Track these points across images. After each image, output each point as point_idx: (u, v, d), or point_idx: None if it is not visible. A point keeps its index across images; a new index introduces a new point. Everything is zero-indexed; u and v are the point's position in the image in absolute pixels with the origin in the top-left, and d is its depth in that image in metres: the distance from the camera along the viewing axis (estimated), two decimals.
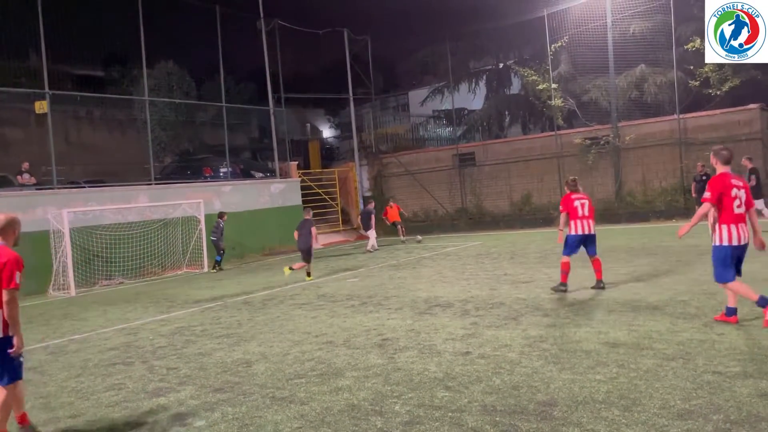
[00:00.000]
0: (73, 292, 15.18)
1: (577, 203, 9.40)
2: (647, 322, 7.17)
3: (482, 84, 30.65)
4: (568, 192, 9.68)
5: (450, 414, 4.79)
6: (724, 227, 6.52)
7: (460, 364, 6.09)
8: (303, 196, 24.68)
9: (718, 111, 20.69)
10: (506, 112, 29.15)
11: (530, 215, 23.79)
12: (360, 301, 10.41)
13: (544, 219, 23.13)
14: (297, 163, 26.42)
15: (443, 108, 31.36)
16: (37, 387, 6.65)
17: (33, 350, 8.67)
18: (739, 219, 6.51)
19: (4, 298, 4.72)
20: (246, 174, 23.88)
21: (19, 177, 17.66)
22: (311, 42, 28.91)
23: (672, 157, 21.24)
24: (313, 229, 14.04)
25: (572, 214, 9.35)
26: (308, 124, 38.68)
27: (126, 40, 22.52)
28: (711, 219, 6.73)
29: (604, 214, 21.86)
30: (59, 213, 15.65)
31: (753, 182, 14.63)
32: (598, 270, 9.57)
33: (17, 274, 4.77)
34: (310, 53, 33.44)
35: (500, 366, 5.92)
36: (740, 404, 4.51)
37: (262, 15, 24.19)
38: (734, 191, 6.52)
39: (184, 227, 18.91)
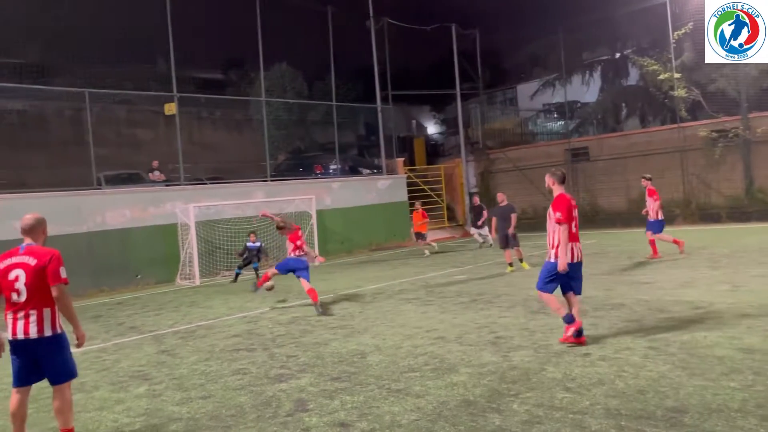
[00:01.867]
0: (197, 281, 16.21)
1: (299, 240, 11.01)
2: None
3: (597, 75, 29.29)
4: (292, 231, 11.03)
5: (571, 416, 4.66)
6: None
7: (579, 366, 5.90)
8: (408, 192, 24.86)
9: None
10: (623, 105, 27.74)
11: None
12: (470, 298, 10.34)
13: (665, 217, 21.74)
14: (403, 159, 26.63)
15: (554, 101, 30.35)
16: (171, 369, 7.17)
17: (164, 335, 9.37)
18: (576, 238, 6.71)
19: (54, 294, 4.61)
20: (354, 171, 24.40)
21: (150, 174, 19.06)
22: (418, 38, 28.97)
23: None
24: (513, 216, 13.34)
25: (296, 248, 10.88)
26: (414, 121, 38.83)
27: (244, 44, 23.68)
28: (551, 236, 6.75)
29: (732, 213, 20.38)
30: (186, 207, 16.75)
31: None
32: (311, 294, 10.38)
33: (62, 269, 4.65)
34: (417, 49, 33.46)
35: (623, 369, 5.68)
36: None
37: (371, 14, 24.58)
38: (575, 212, 6.72)
39: (296, 222, 19.57)
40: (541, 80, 30.46)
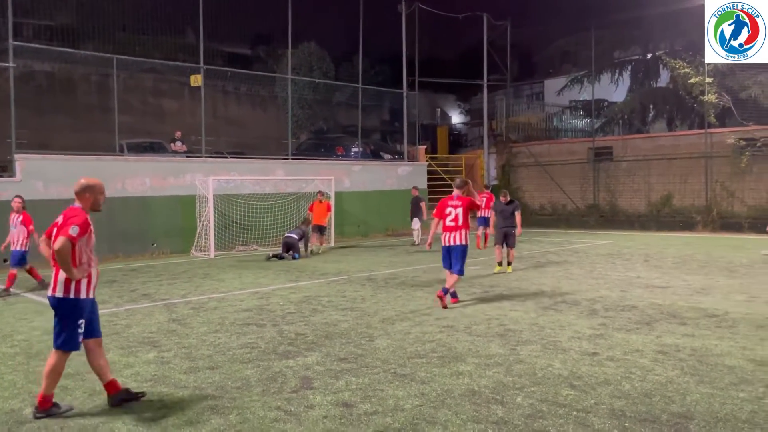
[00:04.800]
0: (212, 254, 16.34)
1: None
2: None
3: (626, 75, 28.85)
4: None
5: (575, 413, 4.64)
6: (442, 234, 8.96)
7: (586, 364, 5.87)
8: (428, 180, 24.78)
9: None
10: (651, 106, 27.31)
11: (669, 217, 22.31)
12: (482, 290, 10.32)
13: (685, 222, 21.62)
14: (425, 147, 26.52)
15: (581, 98, 29.99)
16: (181, 338, 7.25)
17: (176, 304, 9.46)
18: (449, 229, 8.83)
19: (56, 245, 4.65)
20: (375, 155, 24.35)
21: (172, 144, 19.15)
22: (449, 26, 28.74)
23: None
24: (517, 214, 12.51)
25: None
26: (438, 109, 38.64)
27: (273, 21, 23.65)
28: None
29: (754, 223, 20.05)
30: (205, 180, 16.85)
31: None
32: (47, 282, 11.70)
33: (73, 227, 4.70)
34: (446, 37, 33.23)
35: (630, 371, 5.64)
36: None
37: None
38: (448, 209, 8.85)
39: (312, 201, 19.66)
40: (569, 76, 30.10)
